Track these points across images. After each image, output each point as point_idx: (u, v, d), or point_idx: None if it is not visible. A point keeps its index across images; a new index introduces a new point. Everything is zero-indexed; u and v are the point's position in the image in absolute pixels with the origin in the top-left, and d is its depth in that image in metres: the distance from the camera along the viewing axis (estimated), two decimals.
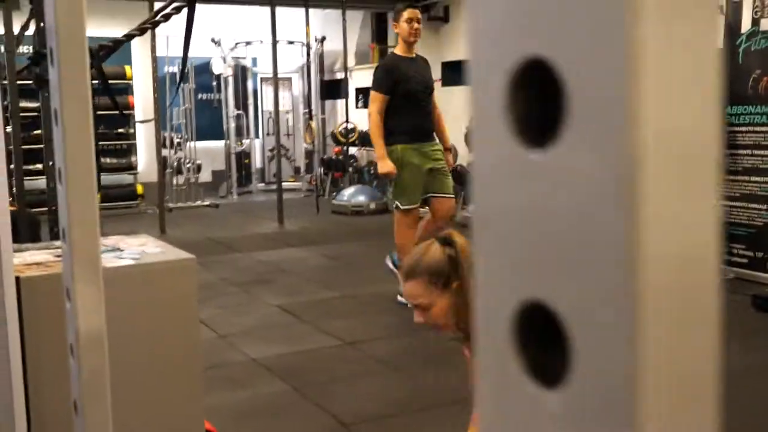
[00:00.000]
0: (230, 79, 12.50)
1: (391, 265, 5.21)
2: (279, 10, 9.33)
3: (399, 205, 5.02)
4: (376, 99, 5.00)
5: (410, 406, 3.42)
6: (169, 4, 2.62)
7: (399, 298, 4.96)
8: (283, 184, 9.80)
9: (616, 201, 0.28)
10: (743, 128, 5.80)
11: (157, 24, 2.70)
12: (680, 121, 0.29)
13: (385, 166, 4.90)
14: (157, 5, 6.70)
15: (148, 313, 2.23)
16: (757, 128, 5.70)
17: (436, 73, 9.95)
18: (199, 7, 2.69)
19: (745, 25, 5.78)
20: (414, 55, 5.17)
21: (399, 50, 5.18)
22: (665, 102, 0.28)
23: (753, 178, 5.74)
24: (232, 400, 3.45)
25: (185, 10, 2.66)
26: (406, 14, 5.05)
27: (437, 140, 5.31)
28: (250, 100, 12.93)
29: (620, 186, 0.28)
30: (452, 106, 9.96)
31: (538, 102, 0.31)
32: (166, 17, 2.65)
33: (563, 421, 0.32)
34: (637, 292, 0.28)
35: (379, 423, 3.25)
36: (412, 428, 3.19)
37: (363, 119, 10.90)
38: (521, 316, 0.33)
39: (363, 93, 11.81)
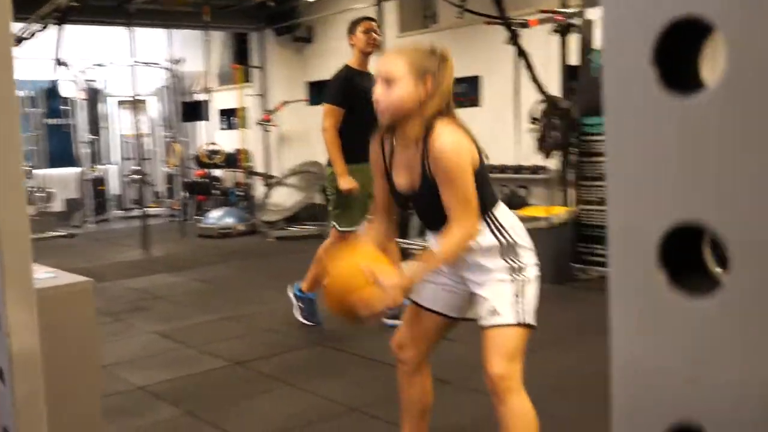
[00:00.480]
0: (82, 103, 11.94)
1: (291, 295, 5.01)
2: (134, 30, 9.02)
3: (337, 226, 4.71)
4: (329, 112, 4.67)
5: (307, 418, 3.37)
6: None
7: (299, 317, 4.91)
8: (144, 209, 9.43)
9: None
10: (599, 137, 6.17)
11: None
12: None
13: (347, 182, 4.56)
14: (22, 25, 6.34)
15: (49, 340, 2.07)
16: None
17: (300, 94, 9.97)
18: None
19: (597, 41, 6.17)
20: (368, 71, 4.76)
21: (354, 63, 4.86)
22: None
23: None
24: (124, 429, 3.26)
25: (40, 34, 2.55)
26: (363, 26, 4.87)
27: None
28: (104, 124, 12.40)
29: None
30: (318, 125, 9.98)
31: (680, 55, 0.35)
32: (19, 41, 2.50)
33: (718, 324, 0.33)
34: None
35: None
36: None
37: (227, 141, 10.74)
38: (669, 237, 0.35)
39: (226, 114, 11.63)
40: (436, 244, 2.42)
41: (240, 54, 11.28)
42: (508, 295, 2.35)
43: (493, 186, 2.50)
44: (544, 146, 6.36)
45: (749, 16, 0.30)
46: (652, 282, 0.36)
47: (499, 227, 2.38)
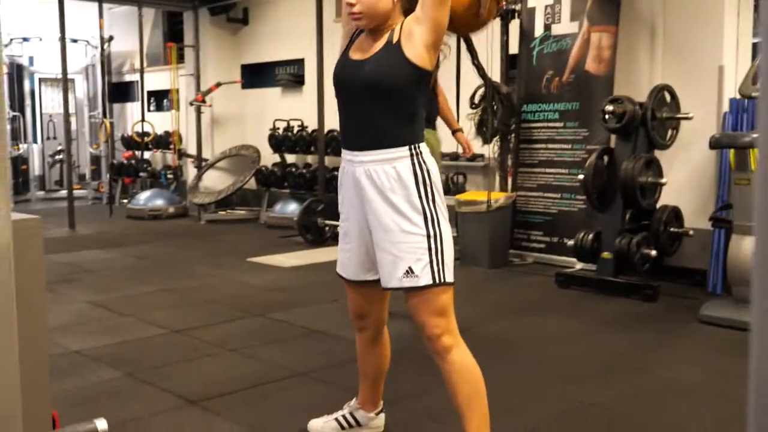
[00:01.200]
0: (4, 78, 11.44)
1: None
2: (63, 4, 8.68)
3: None
4: None
5: (252, 381, 3.31)
6: None
7: None
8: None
9: None
10: (538, 124, 6.29)
11: None
12: None
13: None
14: None
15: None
16: (551, 124, 6.21)
17: (235, 76, 9.81)
18: None
19: (538, 30, 6.29)
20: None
21: None
22: None
23: (548, 170, 6.23)
24: (61, 388, 3.13)
25: None
26: None
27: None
28: (27, 102, 11.93)
29: None
30: (252, 108, 9.86)
31: None
32: None
33: None
34: None
35: (226, 398, 3.10)
36: (260, 401, 3.09)
37: (157, 122, 10.48)
38: None
39: (155, 96, 11.34)
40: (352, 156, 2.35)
41: (173, 34, 11.02)
42: (423, 253, 2.25)
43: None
44: (483, 131, 6.43)
45: None
46: None
47: (422, 162, 2.28)
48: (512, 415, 2.89)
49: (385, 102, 2.28)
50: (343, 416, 2.74)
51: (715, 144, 4.46)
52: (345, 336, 3.79)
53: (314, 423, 2.75)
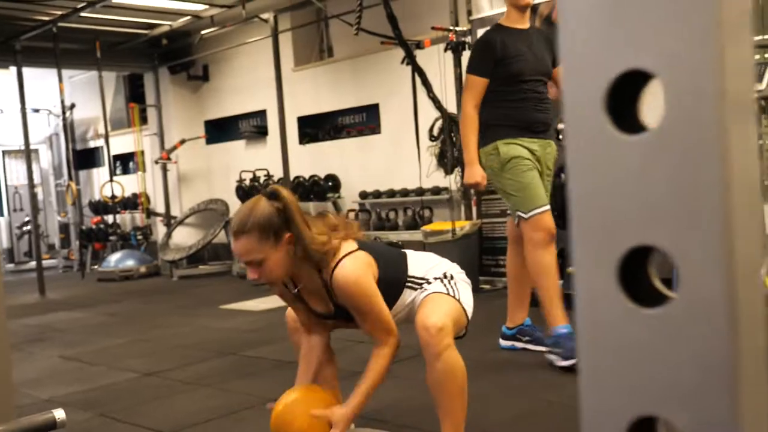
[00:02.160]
0: None
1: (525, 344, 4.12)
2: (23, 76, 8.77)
3: (523, 214, 3.70)
4: (468, 85, 3.71)
5: (226, 410, 3.30)
6: None
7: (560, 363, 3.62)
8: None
9: (708, 168, 0.39)
10: None
11: None
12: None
13: (473, 174, 3.74)
14: None
15: None
16: None
17: (199, 132, 9.91)
18: None
19: None
20: (527, 26, 3.79)
21: (506, 20, 3.79)
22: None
23: None
24: None
25: None
26: None
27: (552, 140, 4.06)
28: None
29: (709, 157, 0.39)
30: (217, 162, 9.93)
31: (627, 101, 0.43)
32: None
33: (664, 330, 0.42)
34: (729, 237, 0.39)
35: (201, 426, 3.09)
36: (234, 427, 3.08)
37: (124, 184, 10.51)
38: (626, 258, 0.43)
39: (120, 159, 11.39)
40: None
41: (134, 96, 11.13)
42: (438, 285, 2.46)
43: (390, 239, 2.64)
44: (444, 163, 6.56)
45: (682, 69, 0.38)
46: (614, 297, 0.43)
47: (419, 281, 2.48)
48: (485, 416, 2.92)
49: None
50: None
51: None
52: None
53: None
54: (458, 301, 2.43)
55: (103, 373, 4.22)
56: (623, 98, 0.44)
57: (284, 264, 2.30)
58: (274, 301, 6.42)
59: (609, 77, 0.41)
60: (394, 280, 2.44)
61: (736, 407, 0.40)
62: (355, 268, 2.34)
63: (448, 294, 2.42)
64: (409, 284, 2.48)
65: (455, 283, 2.48)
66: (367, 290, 2.34)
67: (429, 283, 2.47)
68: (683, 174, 0.41)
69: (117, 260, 9.57)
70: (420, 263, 2.52)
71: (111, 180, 9.73)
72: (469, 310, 2.50)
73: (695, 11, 0.39)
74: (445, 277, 2.49)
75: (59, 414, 1.48)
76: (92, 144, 12.11)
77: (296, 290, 2.46)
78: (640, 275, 0.46)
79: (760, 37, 4.50)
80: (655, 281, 0.46)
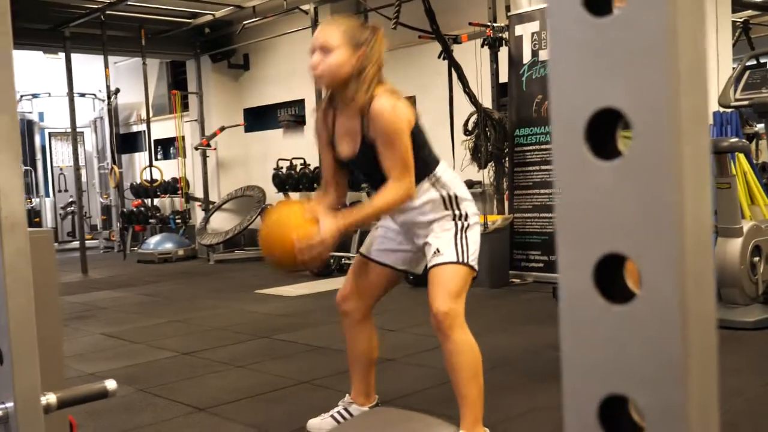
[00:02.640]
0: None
1: None
2: (71, 61, 9.03)
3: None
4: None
5: (258, 390, 3.46)
6: None
7: None
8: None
9: (666, 190, 0.49)
10: (531, 147, 6.49)
11: None
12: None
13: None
14: None
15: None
16: (543, 146, 6.41)
17: (238, 120, 10.08)
18: None
19: (527, 57, 6.53)
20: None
21: None
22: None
23: (542, 191, 6.41)
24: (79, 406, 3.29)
25: None
26: None
27: None
28: (39, 156, 12.27)
29: (667, 181, 0.49)
30: (255, 150, 10.12)
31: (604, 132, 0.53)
32: None
33: (634, 321, 0.51)
34: (682, 247, 0.49)
35: (233, 405, 3.25)
36: (265, 406, 3.23)
37: (164, 169, 10.76)
38: (600, 263, 0.52)
39: (161, 144, 11.65)
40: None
41: (176, 83, 11.37)
42: (450, 238, 2.53)
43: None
44: (478, 157, 6.64)
45: (647, 110, 0.48)
46: (590, 296, 0.53)
47: (443, 184, 2.57)
48: (504, 405, 3.03)
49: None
50: (338, 412, 2.88)
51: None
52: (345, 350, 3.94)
53: (312, 422, 2.88)
54: (466, 264, 2.50)
55: (143, 351, 4.42)
56: (602, 130, 0.56)
57: (345, 66, 2.42)
58: (307, 287, 6.59)
59: (588, 113, 0.52)
60: (423, 158, 2.51)
61: (686, 391, 0.52)
62: (396, 101, 2.45)
63: (458, 261, 2.49)
64: (432, 179, 2.55)
65: (467, 229, 2.54)
66: (401, 121, 2.42)
67: (448, 200, 2.54)
68: (646, 193, 0.51)
69: (156, 243, 9.83)
70: (446, 171, 2.60)
71: (150, 165, 9.97)
72: (476, 260, 2.56)
73: (657, 63, 0.51)
74: (461, 217, 2.55)
75: (111, 384, 1.62)
76: (135, 129, 12.39)
77: (333, 117, 2.57)
78: (614, 277, 0.57)
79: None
80: (628, 282, 0.57)
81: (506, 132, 6.58)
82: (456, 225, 2.55)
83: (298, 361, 4.04)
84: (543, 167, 6.41)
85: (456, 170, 6.77)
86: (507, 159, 6.65)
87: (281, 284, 6.87)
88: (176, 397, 3.41)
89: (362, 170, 2.65)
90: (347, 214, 2.48)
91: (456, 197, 2.57)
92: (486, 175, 6.78)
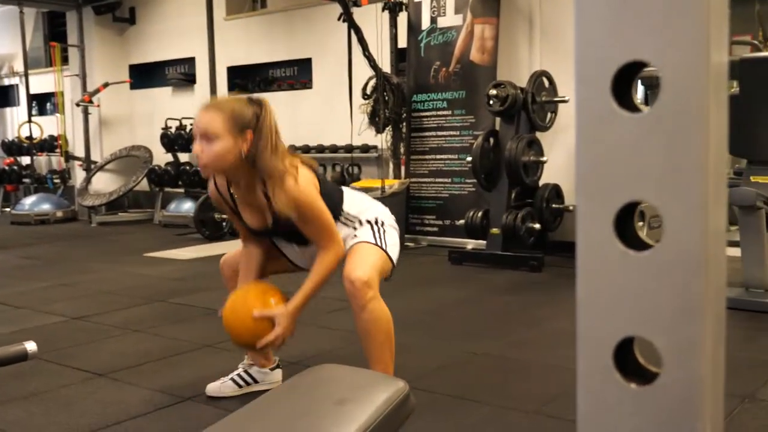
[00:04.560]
0: None
1: None
2: None
3: None
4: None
5: (159, 354, 3.36)
6: None
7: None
8: None
9: (691, 141, 0.49)
10: (428, 113, 6.55)
11: None
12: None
13: None
14: None
15: None
16: (440, 112, 6.49)
17: (123, 76, 9.65)
18: None
19: (425, 23, 6.55)
20: None
21: None
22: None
23: (438, 156, 6.50)
24: None
25: None
26: None
27: None
28: None
29: (693, 133, 0.49)
30: (142, 108, 9.73)
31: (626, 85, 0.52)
32: None
33: (650, 270, 0.52)
34: (704, 196, 0.49)
35: (132, 370, 3.14)
36: (168, 370, 3.14)
37: (43, 126, 10.16)
38: (621, 212, 0.52)
39: (37, 99, 10.99)
40: (302, 256, 2.64)
41: (54, 35, 10.72)
42: (368, 230, 2.59)
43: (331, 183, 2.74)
44: (376, 121, 6.64)
45: (675, 59, 0.48)
46: (609, 241, 0.53)
47: (351, 219, 2.60)
48: (412, 365, 3.07)
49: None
50: (239, 375, 2.84)
51: None
52: None
53: (211, 386, 2.82)
54: (385, 251, 2.56)
55: (29, 316, 4.19)
56: (624, 83, 0.55)
57: (231, 154, 2.35)
58: (199, 251, 6.43)
59: (616, 66, 0.51)
60: (330, 207, 2.53)
61: (702, 332, 0.53)
62: (303, 179, 2.43)
63: (376, 244, 2.55)
64: (342, 220, 2.59)
65: (384, 231, 2.61)
66: (314, 198, 2.44)
67: (361, 224, 2.59)
68: (671, 145, 0.52)
69: (32, 203, 9.30)
70: (355, 202, 2.64)
71: (29, 120, 9.40)
72: (395, 256, 2.64)
73: (688, 16, 0.51)
74: (376, 222, 2.60)
75: (30, 346, 1.52)
76: (7, 82, 11.62)
77: (230, 192, 2.54)
78: (631, 226, 0.57)
79: None
80: (640, 233, 0.57)
81: (404, 97, 6.61)
82: (373, 226, 2.60)
83: (198, 324, 3.95)
84: (439, 133, 6.49)
85: (354, 134, 6.76)
86: (404, 124, 6.69)
87: (171, 247, 6.67)
88: (72, 362, 3.26)
89: (281, 237, 2.63)
90: (295, 299, 2.48)
91: (368, 221, 2.62)
92: (383, 140, 6.79)
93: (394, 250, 2.62)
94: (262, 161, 2.36)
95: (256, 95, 2.48)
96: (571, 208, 5.56)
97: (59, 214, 9.26)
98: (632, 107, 0.53)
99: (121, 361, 3.27)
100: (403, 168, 6.72)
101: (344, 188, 2.69)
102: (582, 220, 0.58)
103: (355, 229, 2.59)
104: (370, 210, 2.65)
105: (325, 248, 2.48)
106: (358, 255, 2.51)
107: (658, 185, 0.53)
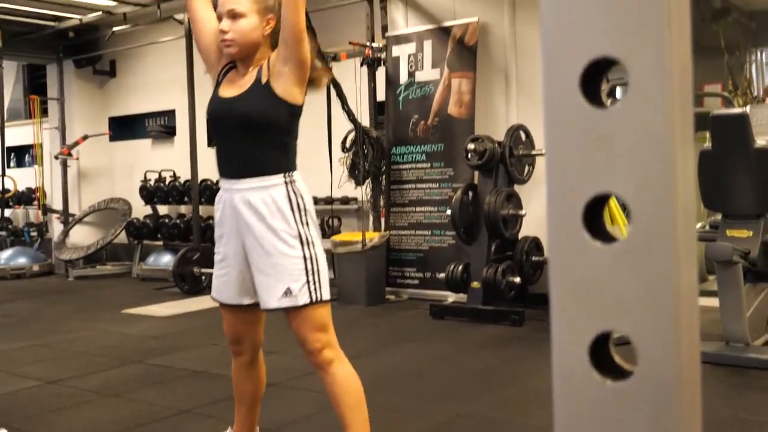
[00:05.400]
0: None
1: None
2: None
3: None
4: None
5: (136, 422, 3.29)
6: None
7: None
8: None
9: (656, 132, 0.50)
10: (407, 165, 6.59)
11: None
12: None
13: None
14: None
15: None
16: (419, 165, 6.53)
17: (102, 128, 9.64)
18: None
19: (403, 77, 6.63)
20: None
21: None
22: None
23: (418, 209, 6.52)
24: None
25: None
26: None
27: None
28: None
29: (658, 125, 0.49)
30: (121, 161, 9.70)
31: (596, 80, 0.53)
32: None
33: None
34: (672, 184, 0.49)
35: None
36: None
37: (18, 178, 10.09)
38: (589, 204, 0.52)
39: (14, 152, 10.93)
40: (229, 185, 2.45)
41: (34, 87, 10.72)
42: (299, 272, 2.36)
43: None
44: (356, 174, 6.66)
45: (642, 55, 0.49)
46: (579, 235, 0.53)
47: (295, 189, 2.41)
48: (397, 429, 3.03)
49: (259, 136, 2.42)
50: None
51: None
52: (227, 374, 3.80)
53: None
54: (321, 300, 2.38)
55: (3, 380, 4.10)
56: (592, 79, 0.53)
57: (255, 32, 2.40)
58: (178, 306, 6.37)
59: (584, 62, 0.52)
60: (293, 146, 2.49)
61: (675, 319, 0.50)
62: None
63: (311, 302, 2.36)
64: (287, 180, 2.40)
65: (316, 260, 2.39)
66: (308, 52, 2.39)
67: (294, 225, 2.38)
68: (640, 137, 0.50)
69: (8, 257, 9.19)
70: (300, 180, 2.45)
71: (3, 174, 9.35)
72: (328, 290, 2.42)
73: (650, 13, 0.49)
74: (307, 243, 2.38)
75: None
76: None
77: (224, 72, 2.50)
78: (600, 218, 0.55)
79: None
80: (606, 227, 0.57)
81: (383, 150, 6.65)
82: (305, 257, 2.38)
83: (177, 387, 3.88)
84: (419, 185, 6.52)
85: (333, 186, 6.77)
86: (384, 176, 6.72)
87: (149, 303, 6.59)
88: (44, 431, 3.18)
89: (231, 124, 2.45)
90: None
91: (306, 211, 2.41)
92: (363, 192, 6.81)
93: (327, 285, 2.43)
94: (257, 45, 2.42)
95: None
96: None
97: (36, 268, 9.15)
98: (600, 103, 0.52)
99: (97, 430, 3.19)
100: (383, 220, 6.73)
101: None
102: (551, 215, 0.58)
103: (288, 223, 2.37)
104: (308, 199, 2.44)
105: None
106: (301, 323, 2.39)
107: (627, 175, 0.51)
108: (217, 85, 2.53)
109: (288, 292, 2.37)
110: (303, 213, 2.41)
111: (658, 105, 0.49)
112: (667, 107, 0.49)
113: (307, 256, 2.39)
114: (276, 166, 2.42)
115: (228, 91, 2.47)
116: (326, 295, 2.42)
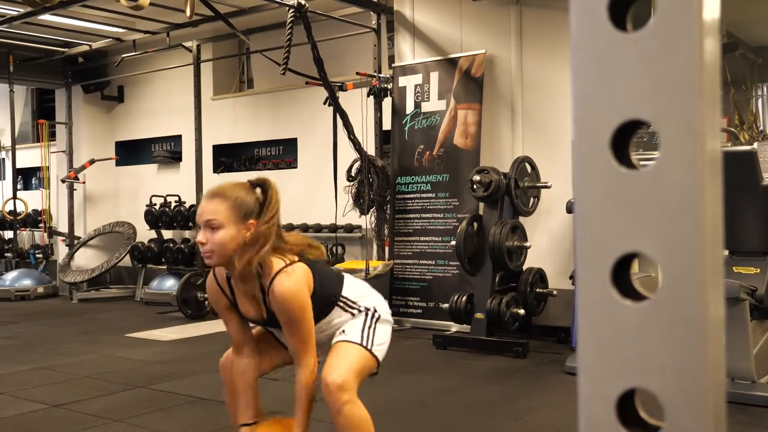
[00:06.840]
0: None
1: None
2: None
3: None
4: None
5: None
6: None
7: None
8: None
9: (683, 198, 0.52)
10: (412, 195, 6.63)
11: None
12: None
13: None
14: None
15: None
16: (423, 195, 6.57)
17: (109, 153, 9.72)
18: None
19: (409, 108, 6.69)
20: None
21: None
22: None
23: (422, 238, 6.55)
24: None
25: None
26: None
27: None
28: None
29: (686, 191, 0.51)
30: (127, 185, 9.76)
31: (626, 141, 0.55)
32: None
33: (647, 318, 0.54)
34: (702, 248, 0.51)
35: None
36: None
37: (27, 201, 10.15)
38: (619, 262, 0.54)
39: (22, 174, 11.00)
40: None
41: (42, 111, 10.82)
42: (358, 324, 2.57)
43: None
44: (361, 203, 6.71)
45: (674, 118, 0.51)
46: (608, 293, 0.55)
47: (351, 303, 2.60)
48: None
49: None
50: None
51: (571, 208, 4.89)
52: None
53: None
54: (369, 350, 2.52)
55: (7, 403, 4.11)
56: (622, 140, 0.56)
57: (235, 242, 2.35)
58: (181, 331, 6.37)
59: (616, 123, 0.53)
60: (326, 296, 2.53)
61: (702, 380, 0.52)
62: (295, 281, 2.40)
63: (361, 344, 2.51)
64: (340, 304, 2.58)
65: (375, 328, 2.58)
66: (302, 304, 2.41)
67: (359, 311, 2.58)
68: (670, 198, 0.52)
69: (13, 279, 9.21)
70: (354, 288, 2.64)
71: (15, 197, 9.40)
72: (382, 354, 2.59)
73: (681, 78, 0.51)
74: (372, 315, 2.59)
75: None
76: None
77: (229, 284, 2.52)
78: (626, 277, 0.57)
79: None
80: (634, 284, 0.59)
81: (388, 179, 6.70)
82: (366, 315, 2.59)
83: (181, 414, 3.89)
84: (423, 215, 6.56)
85: (338, 214, 6.81)
86: (388, 206, 6.75)
87: (152, 327, 6.60)
88: None
89: (275, 328, 2.61)
90: (296, 422, 2.47)
91: (366, 308, 2.62)
92: (367, 221, 6.84)
93: (380, 349, 2.59)
94: (259, 256, 2.37)
95: (259, 177, 2.48)
96: (555, 292, 5.60)
97: (40, 290, 9.17)
98: (630, 164, 0.54)
99: None
100: (387, 249, 6.75)
101: (346, 275, 2.68)
102: (580, 272, 0.59)
103: (352, 316, 2.57)
104: (368, 298, 2.64)
105: (299, 360, 2.45)
106: (337, 356, 2.47)
107: (656, 238, 0.53)
108: (233, 302, 2.58)
109: (343, 332, 2.55)
110: (362, 310, 2.63)
111: (689, 167, 0.50)
112: (698, 169, 0.50)
113: (369, 315, 2.61)
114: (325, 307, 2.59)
115: (250, 309, 2.54)
116: (376, 351, 2.55)
